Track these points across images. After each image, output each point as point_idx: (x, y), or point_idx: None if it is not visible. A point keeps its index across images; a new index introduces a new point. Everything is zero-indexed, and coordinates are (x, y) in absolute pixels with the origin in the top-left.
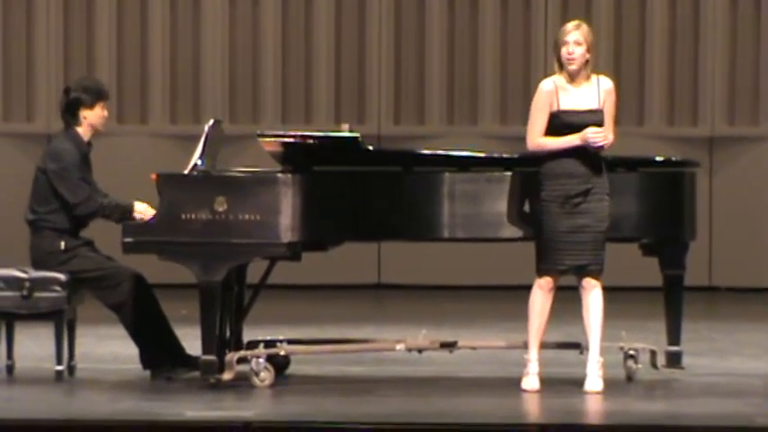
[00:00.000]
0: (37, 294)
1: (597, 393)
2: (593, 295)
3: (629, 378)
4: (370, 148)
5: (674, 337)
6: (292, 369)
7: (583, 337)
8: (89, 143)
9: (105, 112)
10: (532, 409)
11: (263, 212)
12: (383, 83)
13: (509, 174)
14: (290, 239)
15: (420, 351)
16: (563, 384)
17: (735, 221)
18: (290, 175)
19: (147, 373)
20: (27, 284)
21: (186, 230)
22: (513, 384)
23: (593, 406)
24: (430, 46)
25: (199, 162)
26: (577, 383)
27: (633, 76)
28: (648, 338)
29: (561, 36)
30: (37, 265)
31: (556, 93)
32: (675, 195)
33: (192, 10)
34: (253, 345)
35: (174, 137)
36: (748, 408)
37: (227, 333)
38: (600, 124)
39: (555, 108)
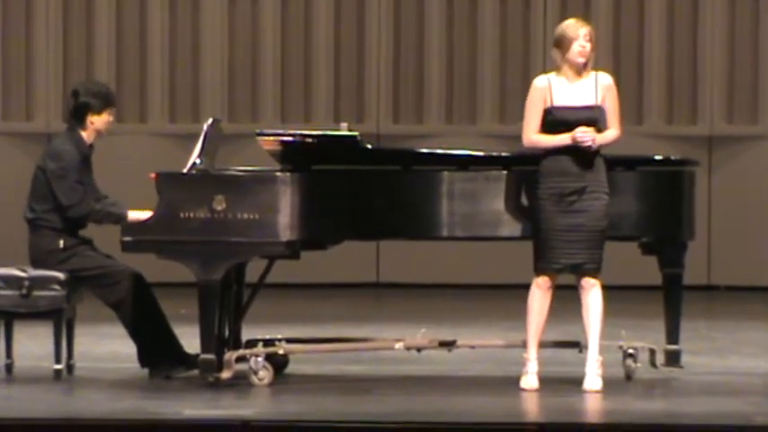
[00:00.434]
0: (36, 293)
1: (596, 392)
2: (591, 294)
3: (629, 377)
4: (369, 146)
5: (672, 335)
6: (291, 368)
7: (582, 336)
8: (91, 145)
9: (111, 119)
10: (531, 407)
11: (262, 211)
12: (382, 82)
13: (507, 172)
14: (288, 238)
15: (419, 350)
16: (562, 383)
17: (734, 220)
18: (288, 174)
19: (146, 371)
20: (26, 283)
21: (185, 229)
22: (512, 383)
23: (593, 405)
24: (429, 45)
25: (198, 161)
26: (576, 382)
27: (632, 75)
28: (647, 337)
29: (571, 31)
30: (36, 263)
31: (549, 89)
32: (674, 194)
33: (191, 9)
34: (251, 344)
35: (173, 136)
36: (747, 406)
37: (226, 332)
38: (595, 120)
39: (549, 104)
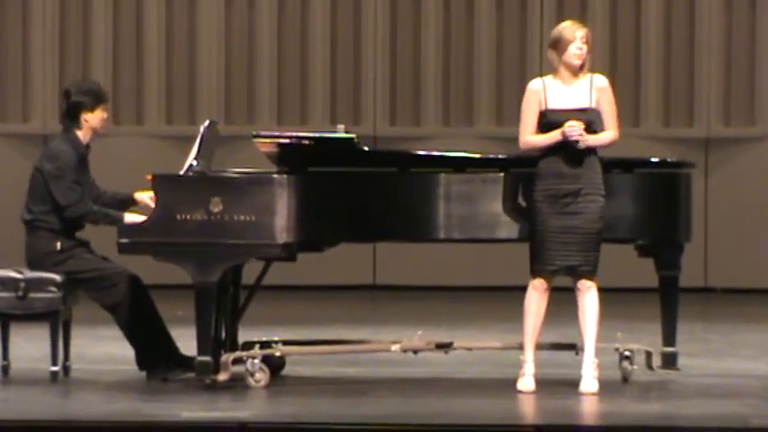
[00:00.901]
0: (32, 295)
1: (593, 394)
2: (588, 297)
3: (625, 379)
4: (366, 148)
5: (669, 338)
6: (288, 370)
7: (578, 338)
8: (87, 146)
9: (105, 115)
10: (528, 410)
11: (259, 213)
12: (379, 84)
13: (504, 174)
14: (285, 240)
15: (415, 352)
16: (558, 385)
17: (730, 223)
18: (285, 176)
19: (143, 373)
20: (22, 285)
21: (182, 231)
22: (509, 385)
23: (589, 407)
24: (425, 47)
25: (194, 163)
26: (573, 384)
27: (629, 77)
28: (644, 339)
29: (568, 33)
30: (33, 265)
31: (544, 92)
32: (671, 197)
33: (187, 11)
34: (248, 345)
35: (169, 138)
36: (744, 409)
37: (223, 334)
38: (589, 123)
39: (543, 107)
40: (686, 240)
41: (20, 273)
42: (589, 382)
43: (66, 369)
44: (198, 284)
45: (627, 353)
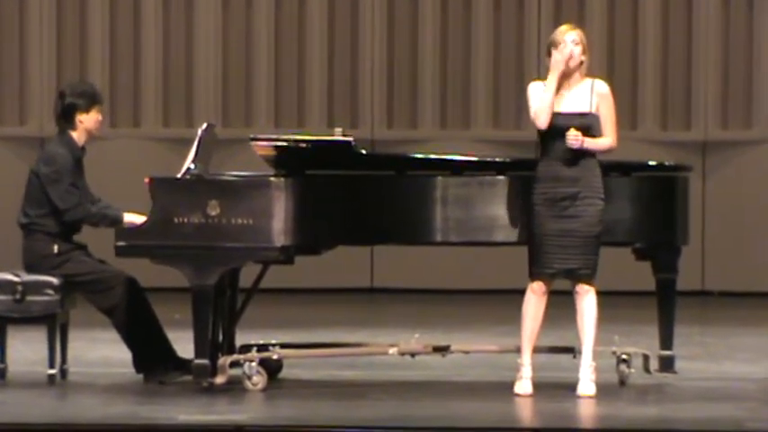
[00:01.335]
0: (29, 298)
1: (590, 397)
2: (586, 300)
3: (622, 382)
4: (363, 152)
5: (666, 341)
6: (285, 373)
7: (576, 342)
8: (83, 148)
9: (100, 116)
10: (525, 413)
11: (256, 216)
12: (376, 87)
13: (501, 178)
14: (282, 243)
15: (413, 355)
16: (556, 389)
17: (727, 226)
18: (282, 179)
19: (140, 376)
20: (19, 288)
21: (179, 234)
22: (506, 388)
23: (586, 410)
24: (423, 50)
25: (192, 166)
26: (570, 388)
27: (626, 80)
28: (641, 343)
29: (557, 37)
30: (30, 268)
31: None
32: (668, 200)
33: (184, 13)
34: (245, 348)
35: (166, 140)
36: (741, 412)
37: (220, 337)
38: (588, 128)
39: None
40: (683, 243)
41: (17, 276)
42: (586, 386)
43: (63, 372)
44: (195, 287)
45: (624, 356)
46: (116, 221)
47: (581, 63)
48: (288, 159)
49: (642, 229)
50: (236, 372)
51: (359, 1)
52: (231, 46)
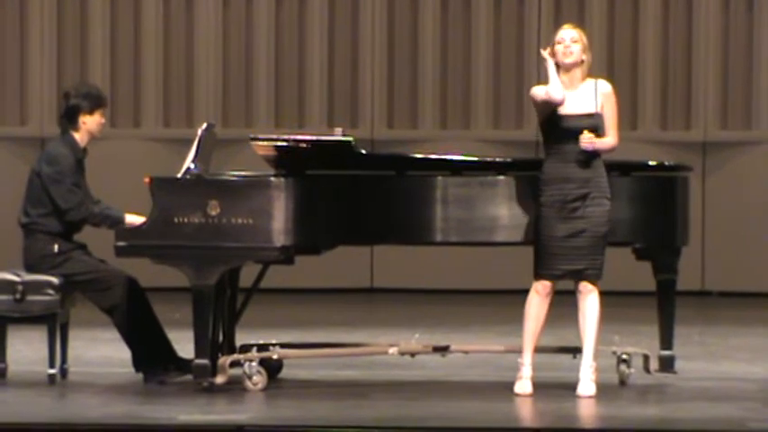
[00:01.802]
0: (30, 298)
1: (590, 398)
2: (588, 300)
3: (622, 382)
4: (363, 151)
5: (666, 341)
6: (285, 373)
7: (576, 342)
8: (84, 149)
9: (103, 119)
10: (525, 413)
11: (256, 216)
12: (376, 86)
13: (502, 178)
14: (282, 243)
15: (413, 355)
16: (556, 388)
17: (727, 226)
18: (282, 179)
19: (140, 376)
20: (20, 288)
21: (179, 234)
22: (506, 388)
23: (586, 410)
24: (423, 50)
25: (192, 166)
26: (570, 388)
27: (626, 80)
28: (641, 343)
29: (556, 36)
30: (30, 268)
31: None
32: (668, 200)
33: (185, 14)
34: (245, 348)
35: (167, 140)
36: (741, 412)
37: (220, 337)
38: (596, 128)
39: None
40: (683, 244)
41: (17, 275)
42: (586, 386)
43: (63, 372)
44: (195, 287)
45: (624, 356)
46: (118, 222)
47: (581, 62)
48: (288, 159)
49: (642, 229)
50: (236, 372)
51: (359, 0)
52: (231, 46)
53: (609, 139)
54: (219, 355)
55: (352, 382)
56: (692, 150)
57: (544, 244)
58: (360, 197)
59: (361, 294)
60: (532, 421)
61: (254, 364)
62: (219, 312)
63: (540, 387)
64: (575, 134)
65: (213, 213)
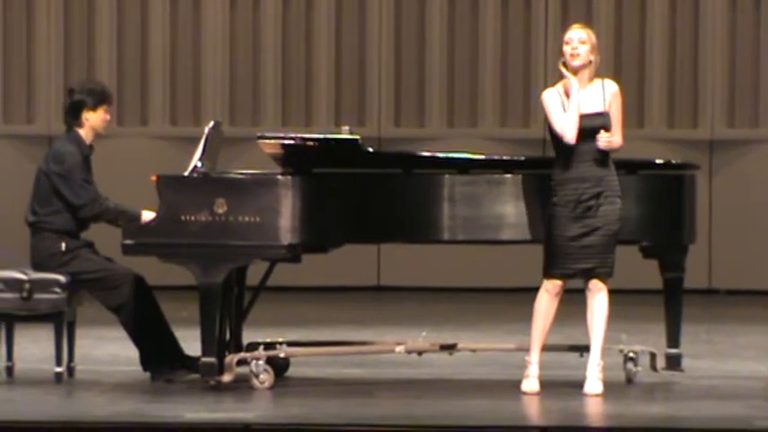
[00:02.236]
0: (37, 296)
1: (597, 396)
2: (598, 298)
3: (629, 380)
4: (371, 150)
5: (673, 339)
6: (292, 371)
7: (584, 340)
8: (90, 146)
9: (108, 116)
10: (532, 411)
11: (263, 214)
12: (383, 85)
13: (509, 176)
14: (290, 241)
15: (420, 353)
16: (563, 387)
17: (735, 224)
18: (290, 177)
19: (147, 374)
20: (27, 286)
21: (186, 232)
22: (513, 387)
23: (593, 408)
24: (430, 48)
25: (199, 164)
26: (577, 386)
27: (633, 79)
28: (648, 341)
29: (565, 36)
30: (37, 266)
31: (561, 97)
32: (675, 198)
33: (192, 12)
34: (252, 347)
35: (174, 138)
36: (748, 410)
37: (227, 335)
38: (607, 127)
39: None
40: (690, 242)
41: (24, 274)
42: (593, 384)
43: (70, 370)
44: (202, 286)
45: (631, 354)
46: (134, 218)
47: (590, 62)
48: (295, 157)
49: (649, 227)
50: (243, 370)
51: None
52: (239, 44)
53: (617, 139)
54: (226, 353)
55: (359, 380)
56: (698, 148)
57: (556, 243)
58: (367, 195)
59: (368, 292)
60: (539, 419)
61: (261, 362)
62: (226, 311)
63: (546, 385)
64: (588, 134)
65: (220, 211)
